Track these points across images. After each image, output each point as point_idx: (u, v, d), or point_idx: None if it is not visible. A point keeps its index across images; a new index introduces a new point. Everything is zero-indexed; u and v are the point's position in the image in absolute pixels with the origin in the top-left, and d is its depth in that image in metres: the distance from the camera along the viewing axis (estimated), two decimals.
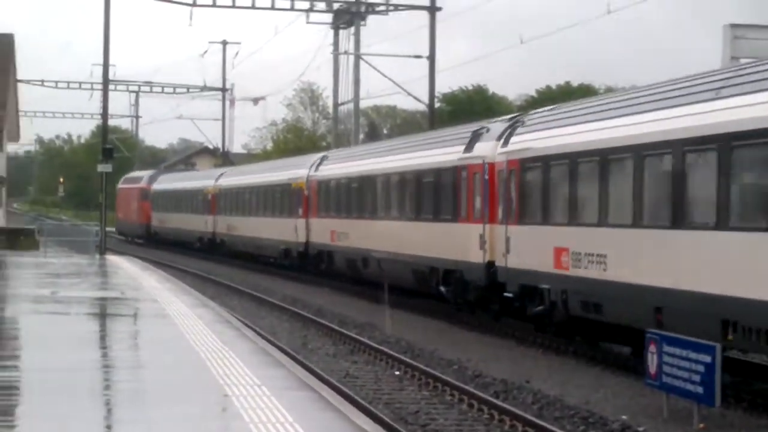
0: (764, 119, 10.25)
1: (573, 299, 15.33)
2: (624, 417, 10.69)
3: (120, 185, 58.55)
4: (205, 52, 60.13)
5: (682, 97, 12.81)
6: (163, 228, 53.79)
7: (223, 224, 42.52)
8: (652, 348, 11.13)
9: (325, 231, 29.41)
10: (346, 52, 37.48)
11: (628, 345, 15.28)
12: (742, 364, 11.20)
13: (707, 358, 9.87)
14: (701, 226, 11.83)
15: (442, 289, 20.71)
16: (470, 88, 55.79)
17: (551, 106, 19.85)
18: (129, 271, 29.41)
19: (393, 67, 38.10)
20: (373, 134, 60.65)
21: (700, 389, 9.92)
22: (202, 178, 49.35)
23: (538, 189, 16.87)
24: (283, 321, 21.93)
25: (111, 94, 39.96)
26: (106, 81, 39.30)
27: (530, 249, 16.94)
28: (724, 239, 11.17)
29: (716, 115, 11.42)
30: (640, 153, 13.28)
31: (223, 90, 60.79)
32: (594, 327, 15.77)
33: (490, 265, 18.39)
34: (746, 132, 10.65)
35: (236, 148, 76.81)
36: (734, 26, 21.15)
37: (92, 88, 59.77)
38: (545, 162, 16.50)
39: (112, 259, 35.71)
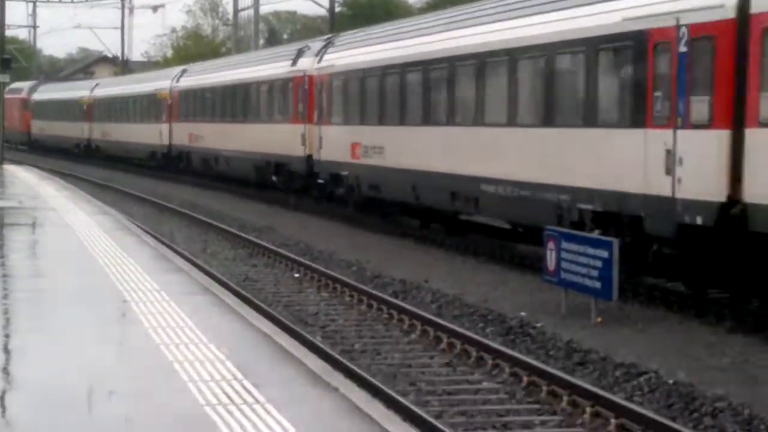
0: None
1: (363, 183, 19.88)
2: (522, 314, 11.05)
3: (5, 96, 58.47)
4: None
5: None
6: (42, 135, 56.90)
7: (98, 131, 45.77)
8: (551, 245, 11.43)
9: (185, 134, 33.83)
10: None
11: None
12: (637, 259, 11.55)
13: (605, 254, 10.21)
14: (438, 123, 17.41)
15: (275, 179, 25.52)
16: None
17: (356, 30, 24.73)
18: (27, 180, 29.45)
19: None
20: (273, 40, 59.43)
21: (597, 284, 10.32)
22: (79, 89, 51.92)
23: (341, 97, 21.52)
24: (182, 227, 22.08)
25: (7, 4, 39.15)
26: None
27: (335, 144, 21.28)
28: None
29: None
30: (387, 72, 19.04)
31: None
32: (379, 204, 20.31)
33: (309, 158, 22.77)
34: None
35: (135, 56, 75.10)
36: None
37: None
38: (345, 76, 21.15)
39: (9, 168, 35.44)
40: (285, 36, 62.89)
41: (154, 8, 60.88)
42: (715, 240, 10.35)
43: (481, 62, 15.39)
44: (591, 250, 10.50)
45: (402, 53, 18.47)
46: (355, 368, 8.29)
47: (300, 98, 23.39)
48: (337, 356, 8.76)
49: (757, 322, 10.08)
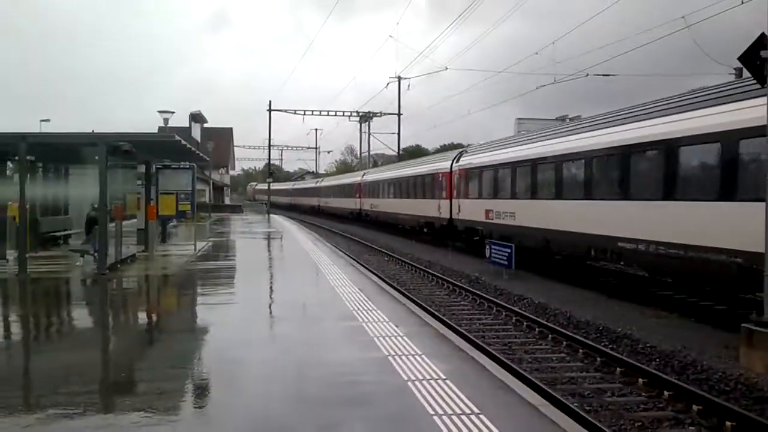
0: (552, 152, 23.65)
1: (495, 234, 27.85)
2: (476, 274, 24.23)
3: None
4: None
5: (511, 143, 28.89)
6: (326, 206, 78.01)
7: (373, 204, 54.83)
8: (488, 247, 24.66)
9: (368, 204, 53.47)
10: (366, 132, 73.91)
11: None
12: (525, 250, 24.82)
13: (509, 249, 23.35)
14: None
15: (425, 230, 39.08)
16: (413, 146, 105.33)
17: (478, 143, 36.23)
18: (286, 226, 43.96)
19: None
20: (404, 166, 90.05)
21: (506, 262, 23.46)
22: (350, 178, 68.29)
23: (473, 181, 31.50)
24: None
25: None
26: None
27: (470, 210, 31.47)
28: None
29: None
30: (507, 167, 27.29)
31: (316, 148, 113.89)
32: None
33: (450, 219, 34.51)
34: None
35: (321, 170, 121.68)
36: (519, 119, 39.57)
37: None
38: (475, 169, 31.16)
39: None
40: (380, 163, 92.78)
41: (328, 151, 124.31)
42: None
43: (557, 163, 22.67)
44: (504, 249, 23.77)
45: (510, 156, 27.00)
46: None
47: (444, 184, 35.35)
48: None
49: (569, 280, 23.30)
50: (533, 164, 24.41)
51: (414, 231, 41.70)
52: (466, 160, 32.66)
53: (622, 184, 18.61)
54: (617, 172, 18.89)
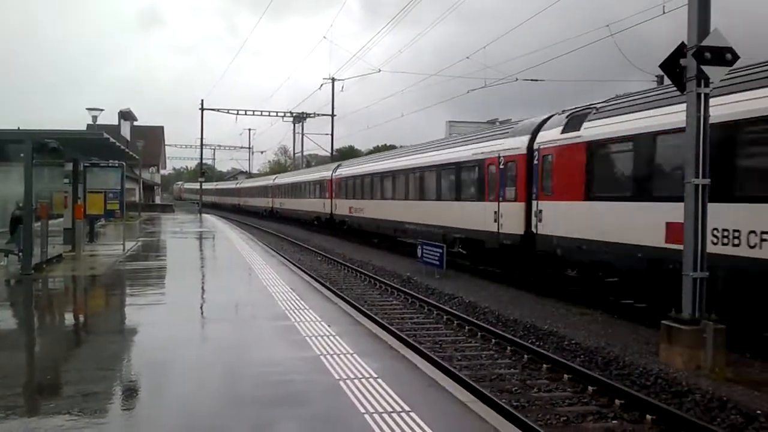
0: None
1: (354, 223, 38.99)
2: (408, 274, 24.45)
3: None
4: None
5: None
6: (246, 205, 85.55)
7: (282, 203, 66.13)
8: (419, 247, 24.91)
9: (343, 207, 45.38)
10: (299, 133, 76.26)
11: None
12: (454, 254, 25.18)
13: (440, 250, 23.63)
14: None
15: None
16: (347, 147, 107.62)
17: (349, 160, 48.92)
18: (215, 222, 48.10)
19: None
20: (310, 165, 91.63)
21: (437, 262, 23.74)
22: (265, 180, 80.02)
23: (343, 187, 43.81)
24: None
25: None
26: None
27: (342, 207, 41.18)
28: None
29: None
30: (358, 178, 40.61)
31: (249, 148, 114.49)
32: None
33: (331, 214, 45.37)
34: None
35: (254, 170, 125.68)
36: (451, 122, 40.61)
37: None
38: (343, 178, 42.28)
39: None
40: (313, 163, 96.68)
41: (262, 152, 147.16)
42: (517, 250, 20.87)
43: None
44: (435, 249, 24.04)
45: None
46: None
47: (326, 189, 46.81)
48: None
49: (499, 279, 23.81)
50: (369, 177, 38.13)
51: (311, 223, 51.67)
52: (339, 172, 45.03)
53: (404, 191, 32.07)
54: (402, 184, 32.38)
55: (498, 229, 22.15)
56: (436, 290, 21.14)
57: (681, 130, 12.37)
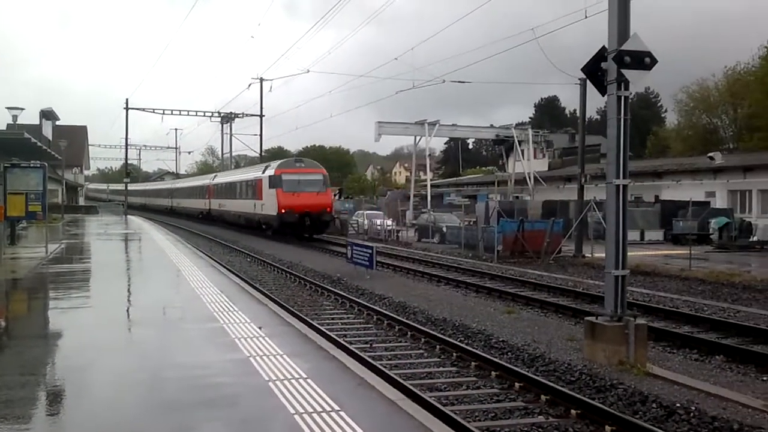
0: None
1: (211, 214, 59.78)
2: (338, 274, 24.46)
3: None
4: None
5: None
6: (179, 207, 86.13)
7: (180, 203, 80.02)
8: (349, 248, 24.97)
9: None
10: (227, 133, 76.59)
11: None
12: (385, 254, 25.33)
13: (370, 250, 23.74)
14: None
15: (200, 215, 59.72)
16: (275, 147, 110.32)
17: (224, 171, 65.77)
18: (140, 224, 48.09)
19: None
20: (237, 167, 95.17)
21: (367, 262, 23.84)
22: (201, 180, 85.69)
23: (213, 191, 64.55)
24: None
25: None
26: None
27: (214, 204, 58.07)
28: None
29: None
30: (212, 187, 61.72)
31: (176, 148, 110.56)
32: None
33: (209, 209, 61.03)
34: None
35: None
36: (380, 122, 42.28)
37: None
38: (213, 185, 64.71)
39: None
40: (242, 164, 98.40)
41: (189, 152, 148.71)
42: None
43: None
44: (365, 249, 24.11)
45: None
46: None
47: (206, 192, 63.44)
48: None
49: (430, 277, 24.14)
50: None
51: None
52: (213, 180, 62.08)
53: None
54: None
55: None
56: (366, 291, 21.21)
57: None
